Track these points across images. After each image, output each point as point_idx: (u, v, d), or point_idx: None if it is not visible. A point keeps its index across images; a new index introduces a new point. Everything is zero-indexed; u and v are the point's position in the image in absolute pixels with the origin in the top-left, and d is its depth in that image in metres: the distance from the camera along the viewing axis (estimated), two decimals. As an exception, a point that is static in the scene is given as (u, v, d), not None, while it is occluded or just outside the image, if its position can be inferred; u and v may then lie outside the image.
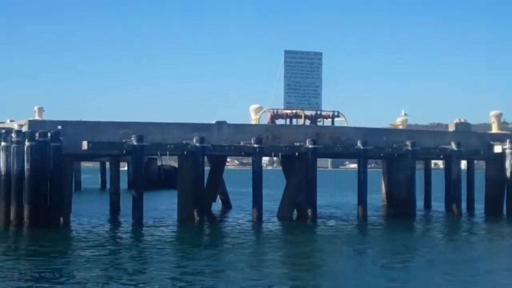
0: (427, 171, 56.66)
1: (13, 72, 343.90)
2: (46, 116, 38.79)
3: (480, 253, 30.33)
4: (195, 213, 39.28)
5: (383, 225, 41.53)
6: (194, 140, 39.13)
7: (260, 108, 46.43)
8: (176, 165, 52.84)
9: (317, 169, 42.59)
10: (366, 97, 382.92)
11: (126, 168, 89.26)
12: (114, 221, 41.86)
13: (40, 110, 38.95)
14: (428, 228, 41.00)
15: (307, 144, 41.53)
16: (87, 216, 44.16)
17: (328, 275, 23.97)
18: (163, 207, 51.64)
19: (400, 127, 51.74)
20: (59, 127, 37.43)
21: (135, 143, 37.74)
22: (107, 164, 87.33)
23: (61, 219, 37.53)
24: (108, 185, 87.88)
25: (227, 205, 53.39)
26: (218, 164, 50.49)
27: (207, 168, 44.53)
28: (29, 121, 37.44)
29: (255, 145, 40.48)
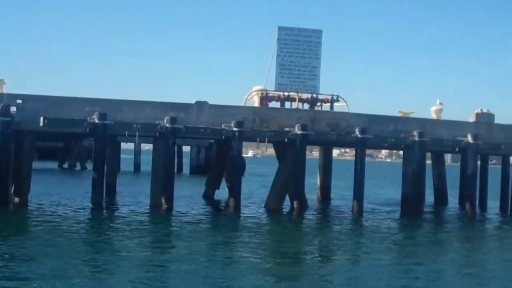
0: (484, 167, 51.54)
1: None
2: (8, 90, 36.26)
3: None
4: (163, 200, 36.18)
5: (366, 223, 36.46)
6: (165, 120, 35.98)
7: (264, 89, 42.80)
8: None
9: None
10: (373, 81, 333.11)
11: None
12: (80, 203, 38.68)
13: (0, 82, 36.44)
14: (412, 229, 34.93)
15: (296, 129, 37.74)
16: (58, 197, 41.75)
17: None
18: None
19: (434, 117, 47.19)
20: (19, 101, 35.09)
21: (97, 121, 34.90)
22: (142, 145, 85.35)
23: (17, 199, 35.26)
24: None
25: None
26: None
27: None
28: (-15, 93, 35.15)
29: (235, 129, 36.94)
